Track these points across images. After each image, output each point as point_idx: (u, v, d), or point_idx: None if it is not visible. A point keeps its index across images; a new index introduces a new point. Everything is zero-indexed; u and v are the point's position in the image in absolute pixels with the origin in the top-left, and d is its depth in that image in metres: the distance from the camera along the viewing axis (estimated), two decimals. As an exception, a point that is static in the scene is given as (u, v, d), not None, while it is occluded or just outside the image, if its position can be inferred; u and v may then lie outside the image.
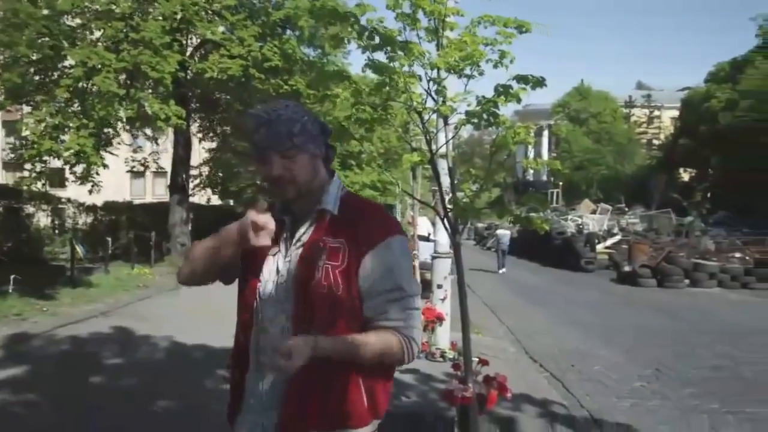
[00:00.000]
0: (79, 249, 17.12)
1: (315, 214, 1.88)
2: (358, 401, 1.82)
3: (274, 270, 1.89)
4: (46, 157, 17.37)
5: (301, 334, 1.76)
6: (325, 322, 1.77)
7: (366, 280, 1.79)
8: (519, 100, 4.30)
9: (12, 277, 12.06)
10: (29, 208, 19.74)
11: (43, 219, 21.06)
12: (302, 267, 1.83)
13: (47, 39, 17.21)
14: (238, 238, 1.82)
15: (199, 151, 27.88)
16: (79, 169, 17.98)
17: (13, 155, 21.53)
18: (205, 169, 29.89)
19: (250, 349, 1.91)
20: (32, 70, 18.29)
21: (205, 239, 1.97)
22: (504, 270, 23.97)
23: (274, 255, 1.90)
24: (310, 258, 1.82)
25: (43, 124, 17.11)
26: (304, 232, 1.88)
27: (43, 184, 19.32)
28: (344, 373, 1.80)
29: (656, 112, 69.07)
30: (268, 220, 1.77)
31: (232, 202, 34.58)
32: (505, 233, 25.13)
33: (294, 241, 1.89)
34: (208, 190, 31.15)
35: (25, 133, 18.86)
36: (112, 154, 20.03)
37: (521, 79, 4.24)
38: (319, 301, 1.77)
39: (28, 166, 19.00)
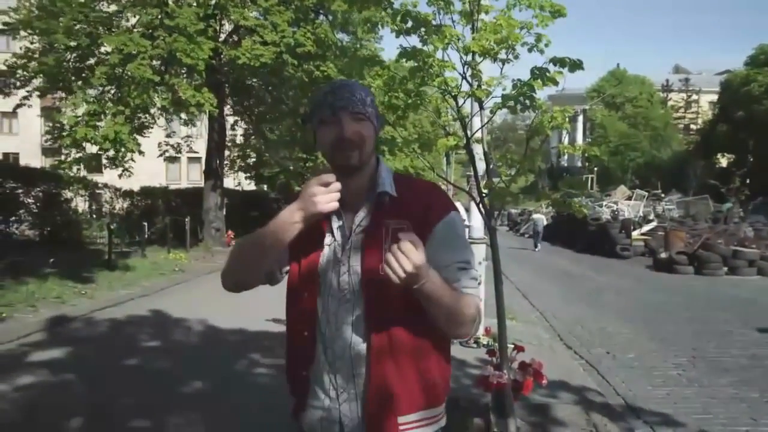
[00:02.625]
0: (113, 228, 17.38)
1: (374, 198, 1.84)
2: (436, 380, 1.86)
3: (331, 259, 1.85)
4: (83, 144, 17.67)
5: (375, 321, 1.78)
6: (400, 305, 1.73)
7: (433, 255, 1.73)
8: (556, 84, 4.24)
9: (51, 260, 12.28)
10: (68, 193, 20.08)
11: (81, 203, 21.42)
12: (369, 253, 1.80)
13: (84, 26, 17.43)
14: (300, 212, 1.71)
15: (232, 136, 28.05)
16: (110, 152, 18.21)
17: (52, 141, 21.94)
18: (238, 154, 30.16)
19: (317, 341, 1.87)
20: (69, 56, 18.56)
21: (249, 235, 1.89)
22: (539, 248, 27.88)
23: (330, 244, 1.85)
24: (376, 243, 1.78)
25: (80, 111, 17.38)
26: (364, 217, 1.85)
27: (78, 170, 19.65)
28: (420, 354, 1.82)
29: (694, 96, 67.94)
30: (334, 179, 1.70)
31: (266, 187, 34.80)
32: (540, 217, 29.76)
33: (354, 227, 1.85)
34: (240, 174, 31.41)
35: (63, 119, 19.19)
36: (143, 136, 20.29)
37: (558, 61, 4.17)
38: (389, 288, 1.66)
39: (65, 151, 19.37)
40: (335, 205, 1.70)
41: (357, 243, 1.83)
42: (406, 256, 1.55)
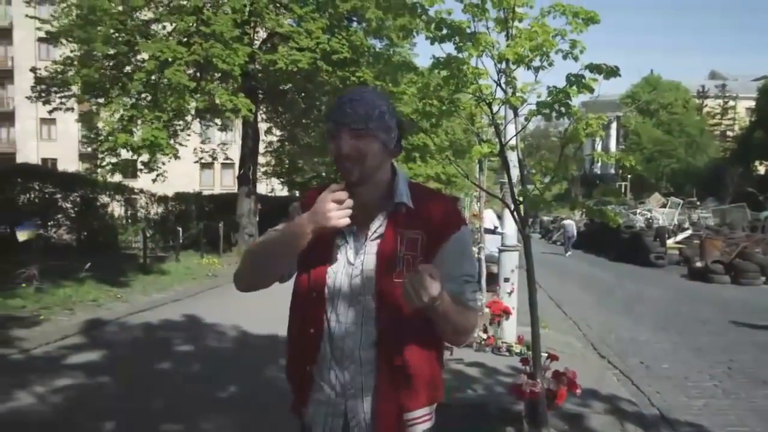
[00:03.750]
0: (148, 233, 17.59)
1: (390, 207, 1.90)
2: (438, 377, 1.97)
3: (344, 262, 1.91)
4: (120, 150, 17.98)
5: (385, 322, 1.85)
6: (409, 311, 1.77)
7: (443, 267, 1.79)
8: (591, 91, 4.23)
9: (88, 264, 12.48)
10: (104, 198, 20.41)
11: (116, 208, 21.75)
12: (383, 259, 1.87)
13: (122, 34, 17.75)
14: (311, 225, 1.78)
15: (265, 142, 28.26)
16: (145, 158, 18.50)
17: (89, 147, 22.34)
18: (271, 160, 30.37)
19: (323, 339, 1.92)
20: (107, 64, 18.91)
21: (260, 240, 2.00)
22: (570, 253, 28.74)
23: (343, 247, 1.92)
24: (391, 250, 1.87)
25: (117, 116, 17.68)
26: (380, 225, 1.90)
27: (113, 174, 19.96)
28: (427, 353, 1.91)
29: (731, 103, 66.84)
30: (347, 196, 1.77)
31: (298, 194, 34.98)
32: (570, 223, 31.28)
33: (370, 234, 1.91)
34: (273, 180, 31.62)
35: (101, 125, 19.55)
36: (181, 144, 20.60)
37: (594, 68, 4.16)
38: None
39: (100, 156, 19.73)
40: (347, 221, 1.77)
41: (372, 249, 1.89)
42: (425, 289, 1.63)
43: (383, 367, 1.87)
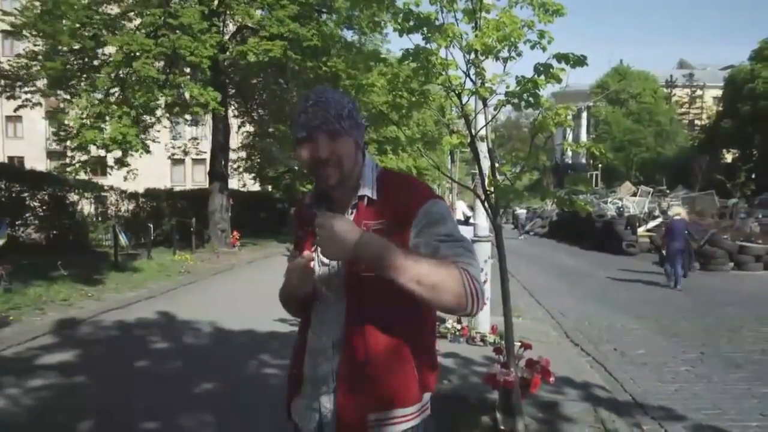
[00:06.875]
0: (122, 238, 17.38)
1: (355, 200, 1.88)
2: (410, 380, 1.84)
3: (318, 262, 1.92)
4: (89, 147, 17.74)
5: (355, 319, 1.81)
6: (381, 307, 1.77)
7: (418, 240, 1.77)
8: (559, 80, 4.23)
9: (59, 263, 12.31)
10: (73, 196, 20.12)
11: (86, 206, 21.45)
12: None
13: (87, 28, 17.49)
14: (288, 289, 1.94)
15: (236, 137, 28.07)
16: (117, 154, 18.30)
17: (58, 145, 22.02)
18: (243, 154, 30.17)
19: (308, 338, 1.96)
20: (73, 59, 18.63)
21: (281, 289, 2.03)
22: (522, 237, 34.91)
23: (315, 246, 1.88)
24: None
25: (85, 113, 17.44)
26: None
27: (86, 172, 19.69)
28: (395, 354, 1.82)
29: (698, 92, 67.74)
30: (307, 259, 1.84)
31: (270, 188, 34.79)
32: (522, 211, 41.69)
33: None
34: (245, 176, 31.44)
35: (68, 122, 19.27)
36: (154, 141, 20.37)
37: (561, 57, 4.17)
38: (371, 287, 1.76)
39: (70, 154, 19.43)
40: (308, 289, 1.89)
41: None
42: (322, 229, 1.67)
43: (345, 365, 1.83)
